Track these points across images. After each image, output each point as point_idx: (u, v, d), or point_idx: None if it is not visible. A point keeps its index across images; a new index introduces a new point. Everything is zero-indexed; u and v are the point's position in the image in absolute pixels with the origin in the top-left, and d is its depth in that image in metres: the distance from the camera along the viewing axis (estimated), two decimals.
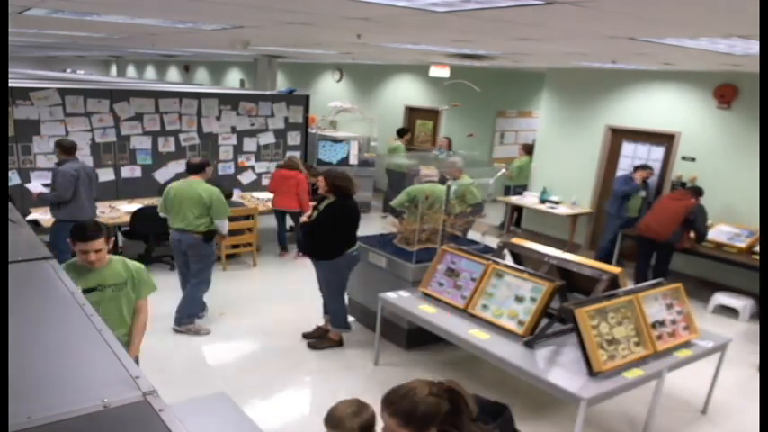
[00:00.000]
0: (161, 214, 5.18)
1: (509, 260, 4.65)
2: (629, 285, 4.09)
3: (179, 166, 7.89)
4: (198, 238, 4.95)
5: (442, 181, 6.22)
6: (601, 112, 8.05)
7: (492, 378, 4.45)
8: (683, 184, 7.03)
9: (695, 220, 6.22)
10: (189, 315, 5.12)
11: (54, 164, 5.70)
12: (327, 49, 7.83)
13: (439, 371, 4.53)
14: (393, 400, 1.69)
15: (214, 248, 5.21)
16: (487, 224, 7.96)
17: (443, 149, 9.77)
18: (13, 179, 6.73)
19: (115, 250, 6.84)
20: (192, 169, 5.11)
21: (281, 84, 13.00)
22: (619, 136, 7.95)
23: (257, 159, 8.65)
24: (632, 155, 7.79)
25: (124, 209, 6.72)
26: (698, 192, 6.45)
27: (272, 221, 7.44)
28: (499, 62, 7.77)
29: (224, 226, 5.08)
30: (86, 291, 2.89)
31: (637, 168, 7.19)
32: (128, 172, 7.54)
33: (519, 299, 3.91)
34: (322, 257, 4.74)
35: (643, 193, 7.23)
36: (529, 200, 8.58)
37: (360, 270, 5.27)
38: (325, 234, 4.63)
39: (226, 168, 8.31)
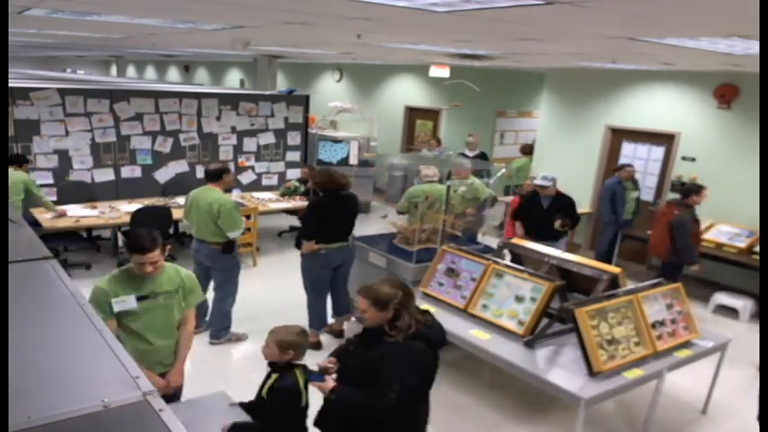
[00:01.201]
0: (184, 221, 5.02)
1: (509, 260, 4.65)
2: (629, 285, 4.09)
3: (179, 166, 7.91)
4: (215, 249, 4.72)
5: (441, 180, 6.21)
6: (601, 112, 8.05)
7: (492, 378, 4.44)
8: (683, 184, 6.97)
9: (676, 236, 5.61)
10: (224, 328, 5.01)
11: None
12: (327, 49, 7.82)
13: (439, 371, 4.51)
14: (367, 288, 2.56)
15: (238, 259, 4.99)
16: (487, 224, 7.94)
17: (433, 149, 9.85)
18: None
19: (115, 250, 6.92)
20: (209, 176, 4.80)
21: (281, 84, 12.99)
22: (619, 136, 7.95)
23: (257, 159, 8.65)
24: (632, 155, 7.79)
25: (124, 209, 6.72)
26: (687, 193, 5.78)
27: (271, 221, 7.42)
28: (499, 62, 7.76)
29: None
30: (139, 299, 2.82)
31: (617, 170, 7.06)
32: (128, 172, 7.54)
33: (519, 299, 3.90)
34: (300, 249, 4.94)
35: (636, 194, 7.09)
36: None
37: (360, 270, 5.28)
38: (302, 227, 4.98)
39: None
